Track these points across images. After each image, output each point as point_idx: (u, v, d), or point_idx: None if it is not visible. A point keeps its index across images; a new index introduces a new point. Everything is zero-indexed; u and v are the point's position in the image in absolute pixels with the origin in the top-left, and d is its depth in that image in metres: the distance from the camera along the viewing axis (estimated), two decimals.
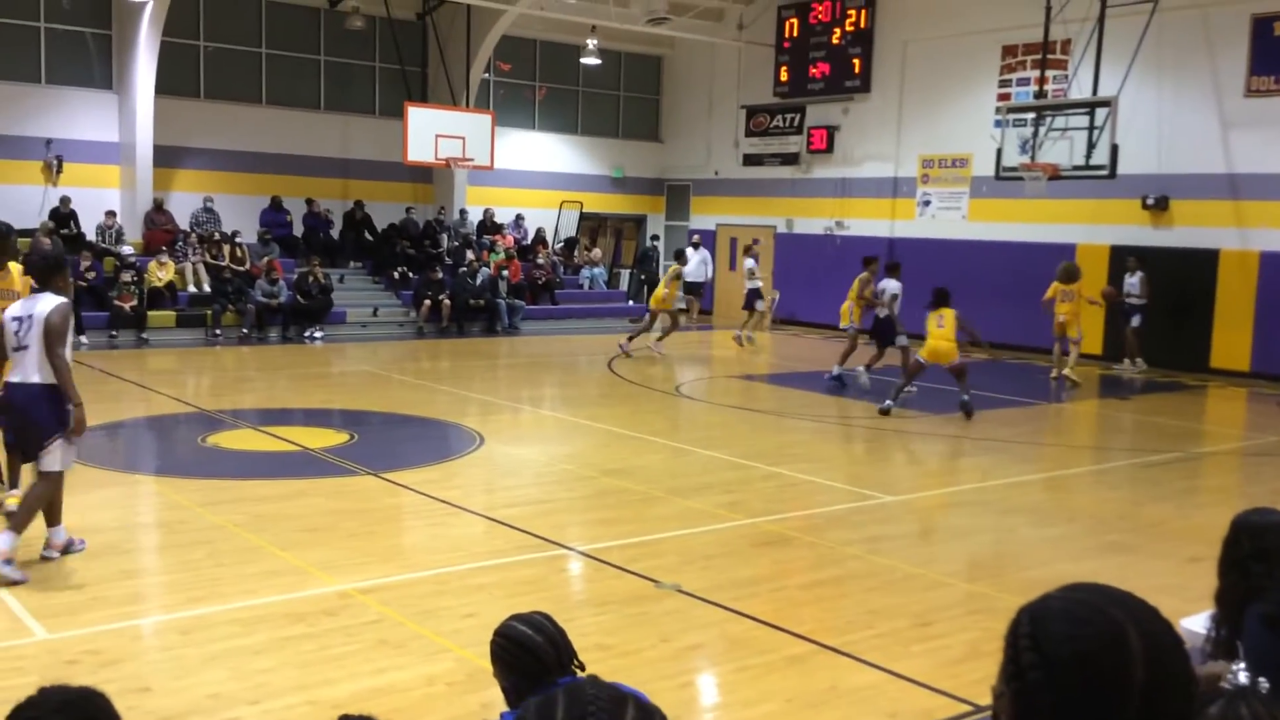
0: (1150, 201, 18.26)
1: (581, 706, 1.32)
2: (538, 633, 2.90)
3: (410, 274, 21.61)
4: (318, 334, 19.18)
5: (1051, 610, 1.38)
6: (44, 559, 6.63)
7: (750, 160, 25.01)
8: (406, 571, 6.76)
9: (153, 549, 7.46)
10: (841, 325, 15.52)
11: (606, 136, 26.62)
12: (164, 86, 19.92)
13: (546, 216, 25.42)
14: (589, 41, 23.39)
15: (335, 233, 22.22)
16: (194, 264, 19.40)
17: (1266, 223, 17.11)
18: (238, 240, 20.09)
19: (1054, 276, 16.22)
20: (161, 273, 18.75)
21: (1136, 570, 7.10)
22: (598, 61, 24.51)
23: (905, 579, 6.91)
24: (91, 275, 17.97)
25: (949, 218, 21.35)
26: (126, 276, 18.03)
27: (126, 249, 19.02)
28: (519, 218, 24.87)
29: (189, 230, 20.12)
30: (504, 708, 2.97)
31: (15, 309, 6.61)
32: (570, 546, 7.38)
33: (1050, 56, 18.52)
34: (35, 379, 6.45)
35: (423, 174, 23.42)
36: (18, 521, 6.43)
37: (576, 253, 25.45)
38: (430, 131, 20.85)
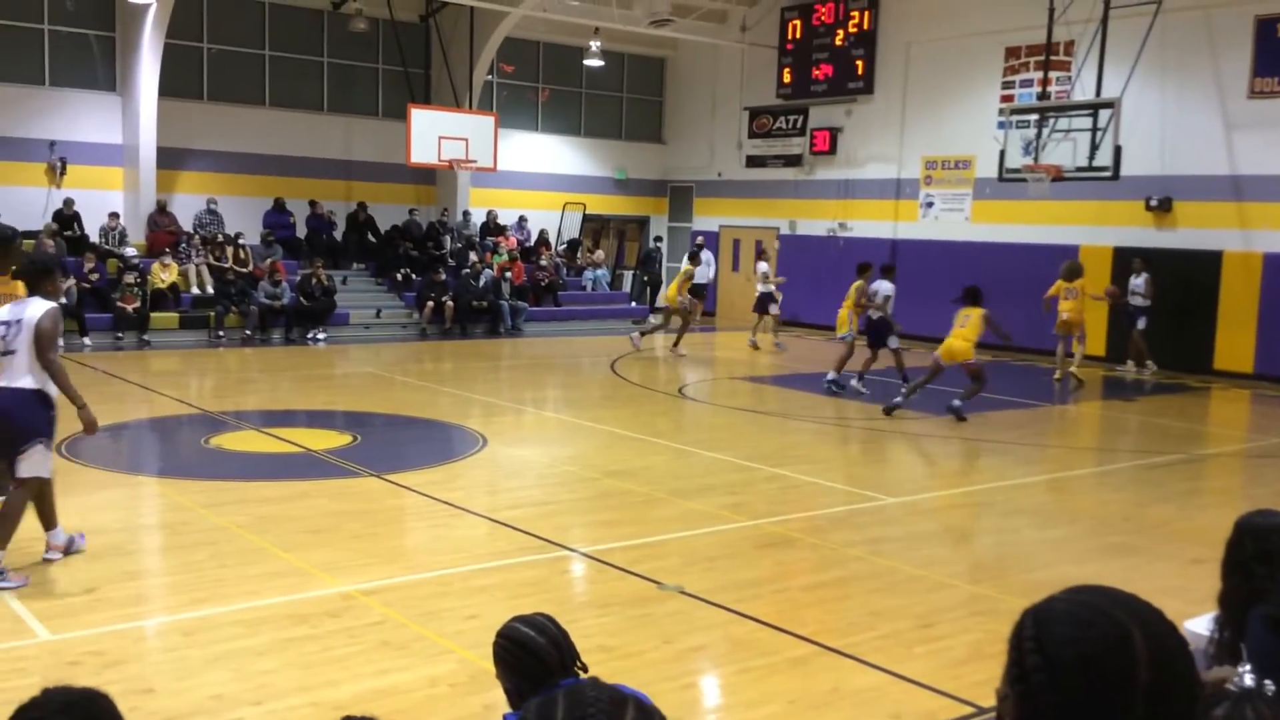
0: (1153, 203, 18.24)
1: (581, 708, 1.32)
2: (540, 634, 2.90)
3: (413, 275, 21.61)
4: (321, 335, 19.19)
5: (1056, 612, 1.38)
6: (46, 561, 6.62)
7: (753, 162, 24.98)
8: (409, 573, 6.77)
9: (155, 550, 7.46)
10: (839, 334, 15.29)
11: (609, 138, 26.61)
12: (167, 88, 19.93)
13: (549, 218, 25.41)
14: (592, 43, 23.38)
15: (338, 234, 22.22)
16: (197, 266, 19.41)
17: (1270, 224, 17.09)
18: (241, 242, 20.08)
19: (1057, 276, 16.24)
20: (165, 274, 18.77)
21: (1140, 572, 7.10)
22: (601, 63, 24.49)
23: (908, 580, 6.90)
24: (95, 277, 18.00)
25: (952, 219, 21.33)
26: (130, 278, 18.05)
27: (130, 251, 19.03)
28: (522, 219, 24.87)
29: (192, 232, 20.13)
30: (506, 709, 2.97)
31: (3, 313, 6.47)
32: (573, 548, 7.37)
33: (1053, 58, 18.49)
34: (24, 384, 6.37)
35: (426, 176, 23.43)
36: (1, 535, 6.30)
37: (579, 254, 25.45)
38: (433, 133, 20.88)
